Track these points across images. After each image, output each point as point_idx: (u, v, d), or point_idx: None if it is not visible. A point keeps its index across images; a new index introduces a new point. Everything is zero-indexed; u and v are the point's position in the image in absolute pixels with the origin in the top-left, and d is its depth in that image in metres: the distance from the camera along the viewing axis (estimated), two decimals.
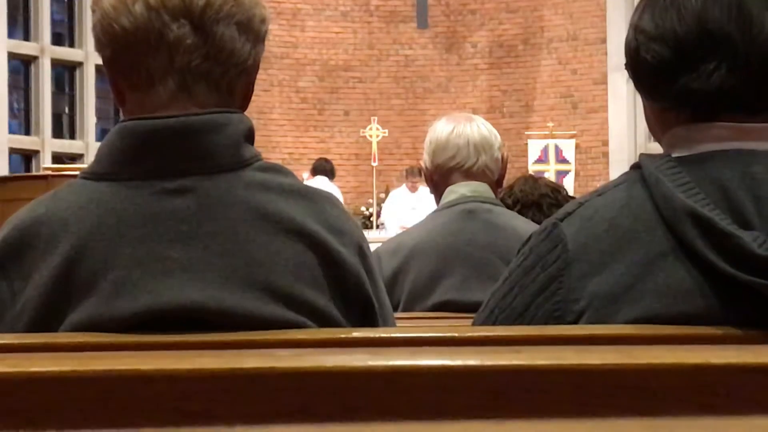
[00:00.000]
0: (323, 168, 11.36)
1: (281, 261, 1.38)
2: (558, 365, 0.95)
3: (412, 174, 11.45)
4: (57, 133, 12.82)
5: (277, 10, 13.64)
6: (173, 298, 1.33)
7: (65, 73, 13.03)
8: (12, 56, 12.25)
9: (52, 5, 12.75)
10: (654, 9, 1.40)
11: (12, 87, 12.36)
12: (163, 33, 1.41)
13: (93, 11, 1.46)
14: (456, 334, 1.27)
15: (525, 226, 2.74)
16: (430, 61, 14.35)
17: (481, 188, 2.82)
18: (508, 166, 2.98)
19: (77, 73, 12.98)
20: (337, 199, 1.51)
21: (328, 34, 14.27)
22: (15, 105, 12.62)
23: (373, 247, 2.81)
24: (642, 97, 1.47)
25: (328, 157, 12.37)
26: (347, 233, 1.45)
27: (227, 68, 1.45)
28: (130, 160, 1.40)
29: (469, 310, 2.13)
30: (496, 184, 2.90)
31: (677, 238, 1.29)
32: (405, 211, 11.26)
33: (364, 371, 0.94)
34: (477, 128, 2.86)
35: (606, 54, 13.22)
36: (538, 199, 3.46)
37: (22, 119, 12.69)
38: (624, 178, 1.41)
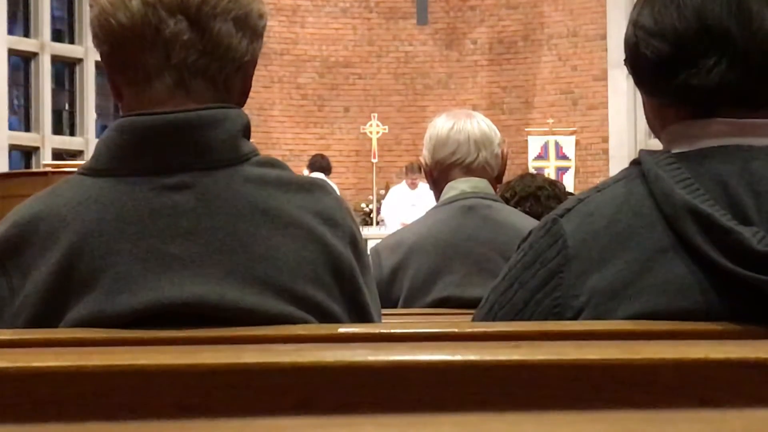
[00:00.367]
0: (320, 164, 11.42)
1: (281, 256, 1.38)
2: (558, 360, 0.95)
3: (412, 170, 11.46)
4: (57, 129, 12.81)
5: (277, 6, 13.64)
6: (173, 294, 1.33)
7: (65, 70, 13.03)
8: (12, 53, 12.25)
9: (51, 2, 12.74)
10: (654, 5, 1.40)
11: (12, 83, 12.35)
12: (160, 29, 1.41)
13: (91, 6, 1.46)
14: (456, 330, 1.27)
15: (525, 222, 2.74)
16: (430, 58, 14.35)
17: (481, 184, 2.82)
18: (508, 162, 2.99)
19: (77, 69, 12.97)
20: (332, 187, 1.51)
21: (327, 31, 14.27)
22: (15, 101, 12.61)
23: (372, 243, 2.82)
24: (641, 93, 1.47)
25: (328, 153, 12.39)
26: (341, 224, 1.46)
27: (224, 64, 1.45)
28: (128, 156, 1.40)
29: (468, 306, 2.14)
30: (495, 181, 2.90)
31: (677, 234, 1.29)
32: (405, 208, 11.27)
33: (365, 366, 0.94)
34: (477, 124, 2.86)
35: (606, 50, 13.22)
36: (535, 191, 3.47)
37: (22, 116, 12.69)
38: (624, 174, 1.41)
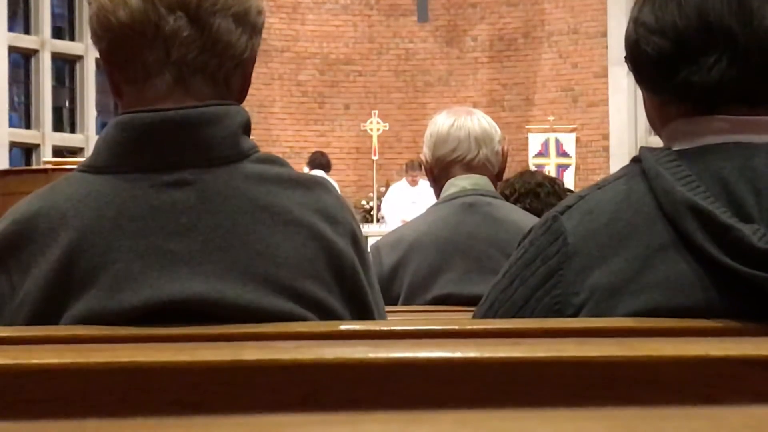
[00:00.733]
0: (320, 161, 11.43)
1: (281, 253, 1.38)
2: (558, 357, 0.95)
3: (413, 168, 11.46)
4: (57, 126, 12.82)
5: (277, 3, 13.64)
6: (173, 291, 1.33)
7: (65, 67, 13.03)
8: (12, 50, 12.25)
9: None
10: (654, 2, 1.40)
11: (12, 80, 12.35)
12: (160, 26, 1.40)
13: (89, 3, 1.46)
14: (456, 327, 1.27)
15: (525, 219, 2.74)
16: (431, 55, 14.34)
17: (482, 181, 2.82)
18: (509, 159, 2.98)
19: (77, 66, 12.97)
20: (331, 185, 1.51)
21: (328, 28, 14.26)
22: (15, 98, 12.61)
23: (372, 240, 2.82)
24: (642, 90, 1.47)
25: (329, 151, 12.39)
26: (341, 221, 1.45)
27: (224, 60, 1.45)
28: (128, 153, 1.40)
29: (469, 304, 2.14)
30: (496, 178, 2.90)
31: (677, 231, 1.29)
32: (405, 205, 11.27)
33: (365, 363, 0.94)
34: (477, 121, 2.86)
35: (607, 47, 13.21)
36: (535, 187, 3.47)
37: (23, 113, 12.69)
38: (624, 172, 1.41)
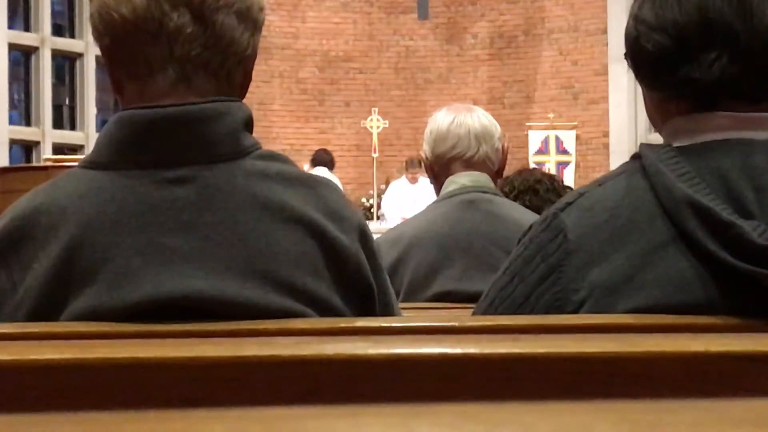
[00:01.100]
0: (323, 159, 11.39)
1: (282, 250, 1.38)
2: (558, 353, 0.95)
3: (413, 165, 11.45)
4: (57, 124, 12.81)
5: (278, 0, 13.63)
6: (174, 288, 1.33)
7: (65, 64, 13.02)
8: (12, 47, 12.24)
9: None
10: None
11: (12, 78, 12.34)
12: (163, 22, 1.41)
13: (90, 0, 1.46)
14: (456, 323, 1.27)
15: (525, 216, 2.74)
16: (431, 52, 14.33)
17: (482, 178, 2.82)
18: (509, 157, 2.98)
19: (77, 64, 12.96)
20: (336, 185, 1.51)
21: (328, 25, 14.25)
22: (15, 96, 12.60)
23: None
24: (642, 87, 1.47)
25: (329, 148, 12.37)
26: (347, 219, 1.45)
27: (227, 57, 1.45)
28: (129, 149, 1.40)
29: (469, 301, 2.13)
30: (496, 175, 2.90)
31: (677, 228, 1.29)
32: (405, 202, 11.26)
33: (365, 360, 0.94)
34: (477, 118, 2.86)
35: (607, 45, 13.20)
36: (534, 184, 3.48)
37: (23, 110, 12.68)
38: (624, 169, 1.41)
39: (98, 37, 1.46)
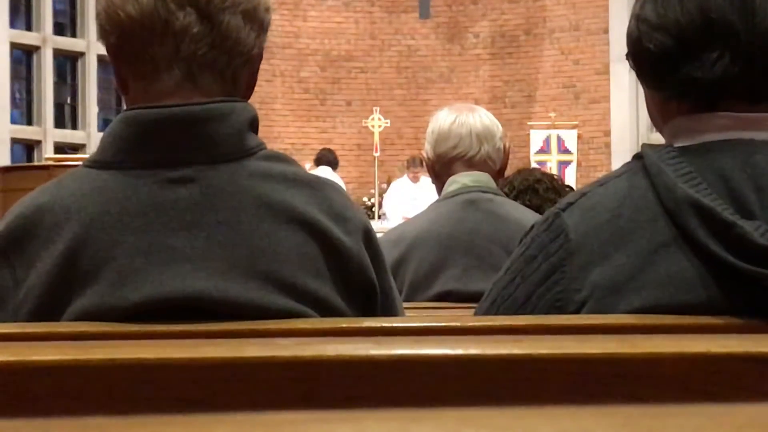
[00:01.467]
0: (326, 158, 11.38)
1: (284, 250, 1.38)
2: (559, 354, 0.95)
3: (414, 164, 11.44)
4: (59, 123, 12.82)
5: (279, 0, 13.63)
6: (176, 288, 1.33)
7: (67, 63, 13.02)
8: (14, 46, 12.25)
9: None
10: None
11: (14, 77, 12.35)
12: (170, 21, 1.41)
13: None
14: (458, 324, 1.27)
15: (527, 215, 2.74)
16: (432, 52, 14.33)
17: (483, 178, 2.82)
18: (510, 156, 2.98)
19: (79, 63, 12.97)
20: (340, 186, 1.51)
21: (330, 24, 14.25)
22: (17, 95, 12.61)
23: None
24: (644, 86, 1.47)
25: (330, 147, 12.37)
26: (351, 220, 1.45)
27: (233, 57, 1.45)
28: (133, 148, 1.40)
29: (470, 300, 2.13)
30: (497, 174, 2.90)
31: (679, 228, 1.29)
32: (407, 202, 11.25)
33: (367, 360, 0.94)
34: (479, 118, 2.86)
35: (608, 44, 13.20)
36: (534, 183, 3.48)
37: (24, 109, 12.69)
38: (626, 168, 1.41)
39: (104, 35, 1.46)
